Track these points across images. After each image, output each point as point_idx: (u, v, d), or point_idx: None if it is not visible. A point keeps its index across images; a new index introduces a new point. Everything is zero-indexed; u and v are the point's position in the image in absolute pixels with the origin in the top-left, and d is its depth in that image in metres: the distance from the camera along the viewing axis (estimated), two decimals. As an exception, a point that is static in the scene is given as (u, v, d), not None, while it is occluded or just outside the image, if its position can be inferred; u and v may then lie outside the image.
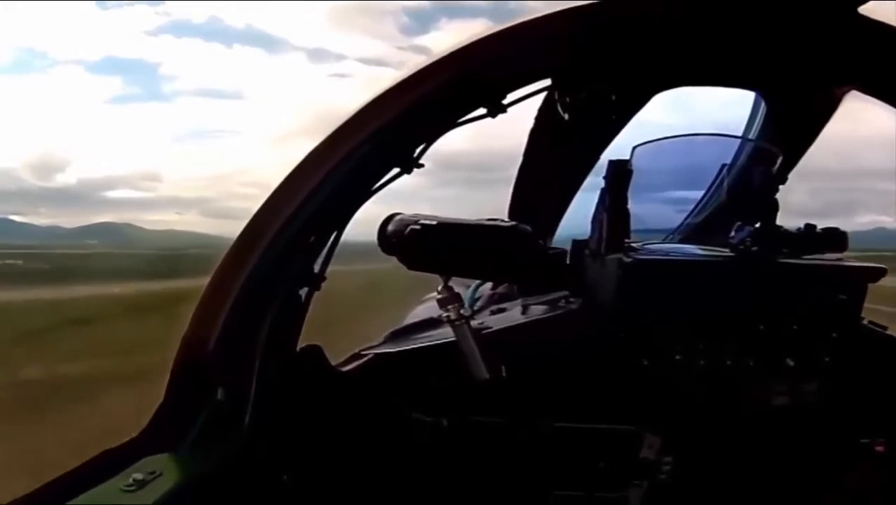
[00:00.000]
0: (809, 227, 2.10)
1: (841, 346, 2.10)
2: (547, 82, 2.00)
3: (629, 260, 2.01)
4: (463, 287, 2.53)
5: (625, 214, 2.12)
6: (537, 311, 2.34)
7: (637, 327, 2.07)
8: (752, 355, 2.08)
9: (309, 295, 1.96)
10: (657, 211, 2.51)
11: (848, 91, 2.41)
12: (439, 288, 2.07)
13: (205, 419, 1.80)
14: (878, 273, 2.11)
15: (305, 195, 1.78)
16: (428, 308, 2.56)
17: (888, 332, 2.32)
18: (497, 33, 1.81)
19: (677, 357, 2.06)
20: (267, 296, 1.83)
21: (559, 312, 2.26)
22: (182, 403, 1.80)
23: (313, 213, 1.80)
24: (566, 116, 2.22)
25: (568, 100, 2.19)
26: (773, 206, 2.16)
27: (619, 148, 2.63)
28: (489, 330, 2.17)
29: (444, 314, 2.08)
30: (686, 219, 2.67)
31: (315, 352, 2.09)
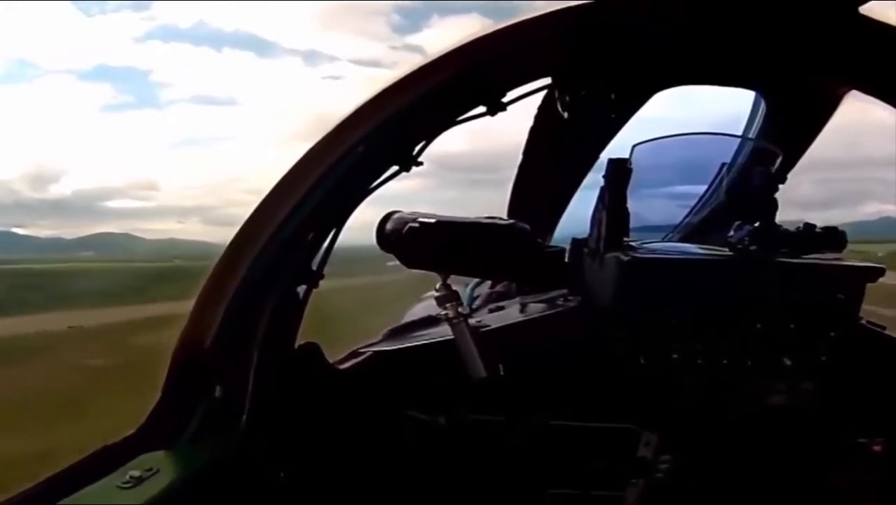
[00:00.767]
0: (808, 227, 2.09)
1: (838, 345, 2.10)
2: (547, 81, 1.99)
3: (628, 258, 2.01)
4: (461, 285, 2.53)
5: (624, 213, 2.11)
6: (535, 309, 2.34)
7: (635, 326, 2.07)
8: (749, 354, 2.07)
9: (307, 293, 1.96)
10: (656, 210, 2.51)
11: (848, 91, 2.41)
12: (437, 286, 2.07)
13: (202, 416, 1.81)
14: (877, 273, 2.10)
15: (304, 192, 1.78)
16: (426, 306, 2.55)
17: (886, 332, 2.33)
18: (497, 31, 1.81)
19: (675, 356, 2.06)
20: (265, 293, 1.83)
21: (557, 310, 2.26)
22: (179, 399, 1.81)
23: (312, 211, 1.80)
24: (566, 115, 2.22)
25: (568, 98, 2.19)
26: (773, 206, 2.15)
27: (618, 146, 2.63)
28: (487, 328, 2.17)
29: (443, 312, 2.08)
30: (685, 218, 2.67)
31: (312, 349, 2.09)
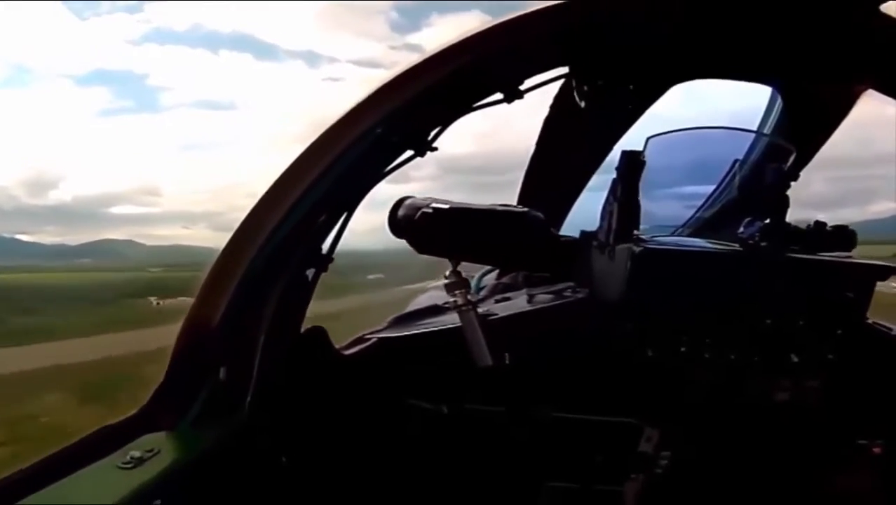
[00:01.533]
0: (818, 225, 2.09)
1: (845, 344, 2.09)
2: (564, 70, 1.97)
3: (638, 250, 1.99)
4: (468, 275, 2.51)
5: (635, 205, 2.10)
6: (542, 300, 2.33)
7: (643, 318, 2.06)
8: (756, 350, 2.07)
9: (316, 276, 1.94)
10: (668, 203, 2.49)
11: (865, 90, 2.39)
12: (447, 273, 2.05)
13: (205, 398, 1.79)
14: (886, 271, 2.09)
15: (317, 175, 1.75)
16: (431, 296, 2.54)
17: (893, 332, 2.32)
18: (514, 19, 1.78)
19: (682, 349, 2.05)
20: (273, 276, 1.81)
21: (564, 301, 2.25)
22: (183, 381, 1.79)
23: (324, 194, 1.78)
24: (582, 104, 2.19)
25: (585, 88, 2.16)
26: (784, 203, 2.14)
27: (628, 141, 2.62)
28: (494, 317, 2.16)
29: (452, 299, 2.06)
30: (696, 212, 2.65)
31: (319, 334, 2.08)
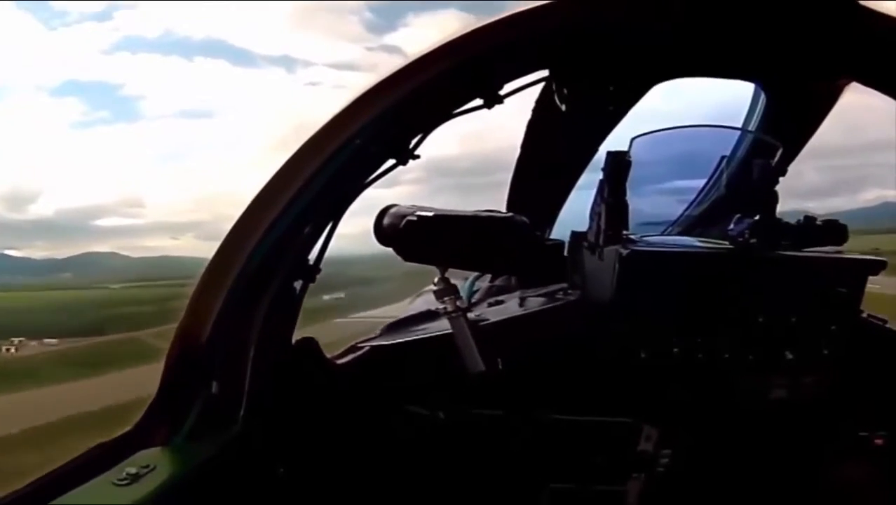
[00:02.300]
0: (809, 220, 2.09)
1: (840, 338, 2.09)
2: (544, 73, 1.98)
3: (627, 252, 2.00)
4: (461, 279, 2.52)
5: (623, 206, 2.11)
6: (535, 303, 2.33)
7: (635, 320, 2.06)
8: (750, 348, 2.06)
9: (304, 287, 1.95)
10: (656, 203, 2.50)
11: (848, 83, 2.40)
12: (435, 280, 2.06)
13: (199, 412, 1.80)
14: (878, 266, 2.09)
15: (300, 186, 1.76)
16: (427, 301, 2.54)
17: (888, 325, 2.32)
18: (493, 23, 1.79)
19: (675, 350, 2.05)
20: (261, 288, 1.82)
21: (556, 304, 2.25)
22: (176, 396, 1.79)
23: (308, 205, 1.79)
24: (563, 108, 2.20)
25: (565, 91, 2.17)
26: (773, 199, 2.14)
27: (617, 139, 2.62)
28: (486, 322, 2.16)
29: (441, 306, 2.07)
30: (685, 211, 2.66)
31: (310, 344, 2.08)
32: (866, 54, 1.89)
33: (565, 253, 2.36)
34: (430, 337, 2.21)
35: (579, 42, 1.88)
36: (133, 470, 1.57)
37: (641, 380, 2.09)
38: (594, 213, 2.17)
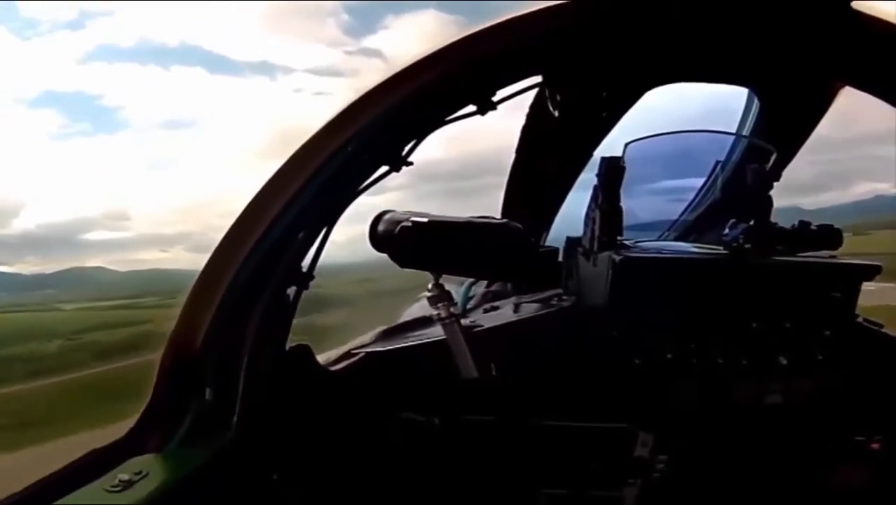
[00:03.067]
0: (803, 225, 2.09)
1: (834, 343, 2.08)
2: (538, 79, 1.98)
3: (620, 258, 2.00)
4: (457, 285, 2.52)
5: (617, 212, 2.11)
6: (529, 309, 2.33)
7: (629, 325, 2.06)
8: (745, 354, 2.06)
9: (297, 294, 1.95)
10: (651, 208, 2.50)
11: (842, 87, 2.40)
12: (430, 286, 2.06)
13: (192, 419, 1.79)
14: (873, 270, 2.09)
15: (293, 193, 1.76)
16: (423, 306, 2.54)
17: (882, 329, 2.31)
18: (486, 29, 1.79)
19: (669, 356, 2.05)
20: (254, 295, 1.82)
21: (551, 310, 2.25)
22: (169, 403, 1.79)
23: (301, 212, 1.79)
24: (556, 113, 2.21)
25: (558, 97, 2.17)
26: (768, 204, 2.14)
27: (611, 144, 2.63)
28: (480, 328, 2.16)
29: (435, 312, 2.07)
30: (680, 216, 2.66)
31: (303, 351, 2.08)
32: (860, 58, 1.89)
33: (560, 259, 2.36)
34: (424, 343, 2.21)
35: (572, 47, 1.89)
36: (125, 476, 1.56)
37: (636, 385, 2.09)
38: (588, 219, 2.18)
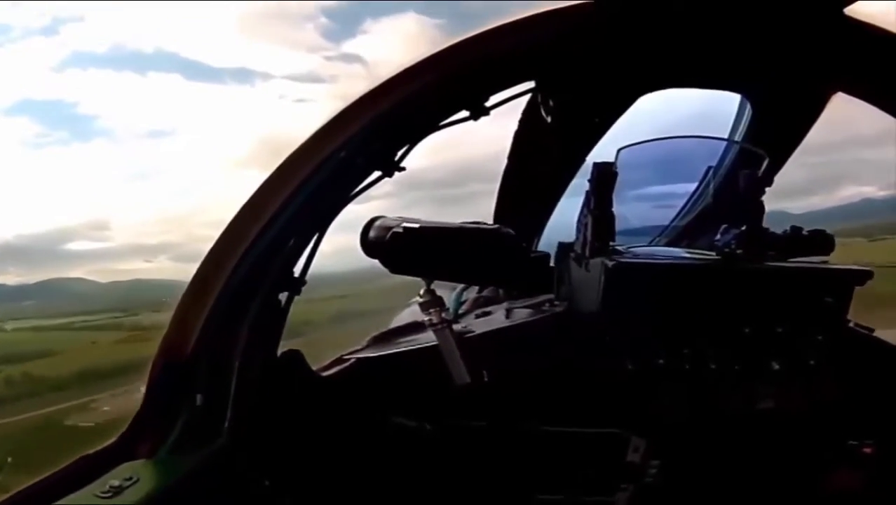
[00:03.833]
0: (795, 230, 2.10)
1: (827, 349, 2.09)
2: (530, 84, 1.98)
3: (613, 263, 2.00)
4: (448, 290, 2.52)
5: (610, 217, 2.11)
6: (521, 314, 2.33)
7: (621, 331, 2.06)
8: (737, 359, 2.06)
9: (289, 299, 1.95)
10: (643, 213, 2.50)
11: (834, 92, 2.41)
12: (421, 291, 2.06)
13: (183, 425, 1.79)
14: (865, 276, 2.10)
15: (285, 198, 1.76)
16: (413, 312, 2.54)
17: (874, 334, 2.32)
18: (479, 35, 1.80)
19: (661, 361, 2.05)
20: (246, 300, 1.82)
21: (542, 315, 2.25)
22: (160, 408, 1.79)
23: (293, 216, 1.79)
24: (549, 119, 2.21)
25: (551, 102, 2.18)
26: (760, 209, 2.15)
27: (603, 149, 2.63)
28: (472, 334, 2.16)
29: (426, 318, 2.07)
30: (672, 221, 2.67)
31: (295, 357, 2.08)
32: (854, 64, 1.90)
33: (552, 264, 2.36)
34: (416, 349, 2.21)
35: (565, 53, 1.89)
36: (116, 482, 1.56)
37: (628, 391, 2.09)
38: (581, 225, 2.18)
